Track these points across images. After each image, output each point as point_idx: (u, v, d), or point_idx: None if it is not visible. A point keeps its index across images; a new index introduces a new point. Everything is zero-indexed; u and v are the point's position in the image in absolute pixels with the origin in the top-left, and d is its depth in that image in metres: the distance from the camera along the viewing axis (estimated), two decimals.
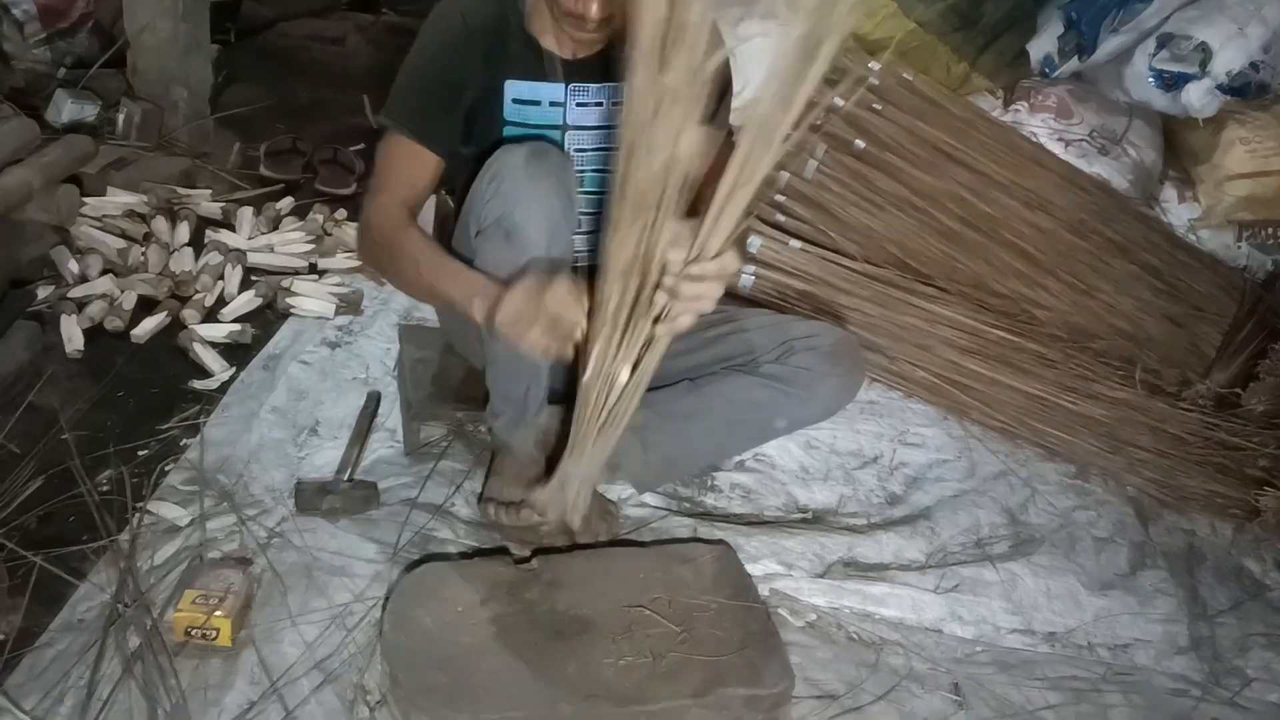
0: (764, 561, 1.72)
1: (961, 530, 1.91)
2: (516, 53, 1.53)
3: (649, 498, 1.82)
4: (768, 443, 1.94)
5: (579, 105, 1.56)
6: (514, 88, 1.53)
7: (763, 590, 1.65)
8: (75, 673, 1.36)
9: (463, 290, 1.39)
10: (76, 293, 2.07)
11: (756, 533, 1.78)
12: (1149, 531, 2.01)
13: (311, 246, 2.38)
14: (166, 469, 1.73)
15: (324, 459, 1.81)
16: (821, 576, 1.73)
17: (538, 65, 1.54)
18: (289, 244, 2.37)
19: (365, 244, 1.55)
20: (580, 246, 1.57)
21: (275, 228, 2.44)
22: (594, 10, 1.38)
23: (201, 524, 1.61)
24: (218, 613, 1.42)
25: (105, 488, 1.67)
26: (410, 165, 1.52)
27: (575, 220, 1.47)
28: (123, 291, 2.09)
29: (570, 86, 1.55)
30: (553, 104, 1.55)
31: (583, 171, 1.57)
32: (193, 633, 1.41)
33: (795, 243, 2.38)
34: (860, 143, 2.53)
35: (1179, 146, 2.95)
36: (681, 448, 1.65)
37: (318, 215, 2.48)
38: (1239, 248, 2.81)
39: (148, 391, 1.91)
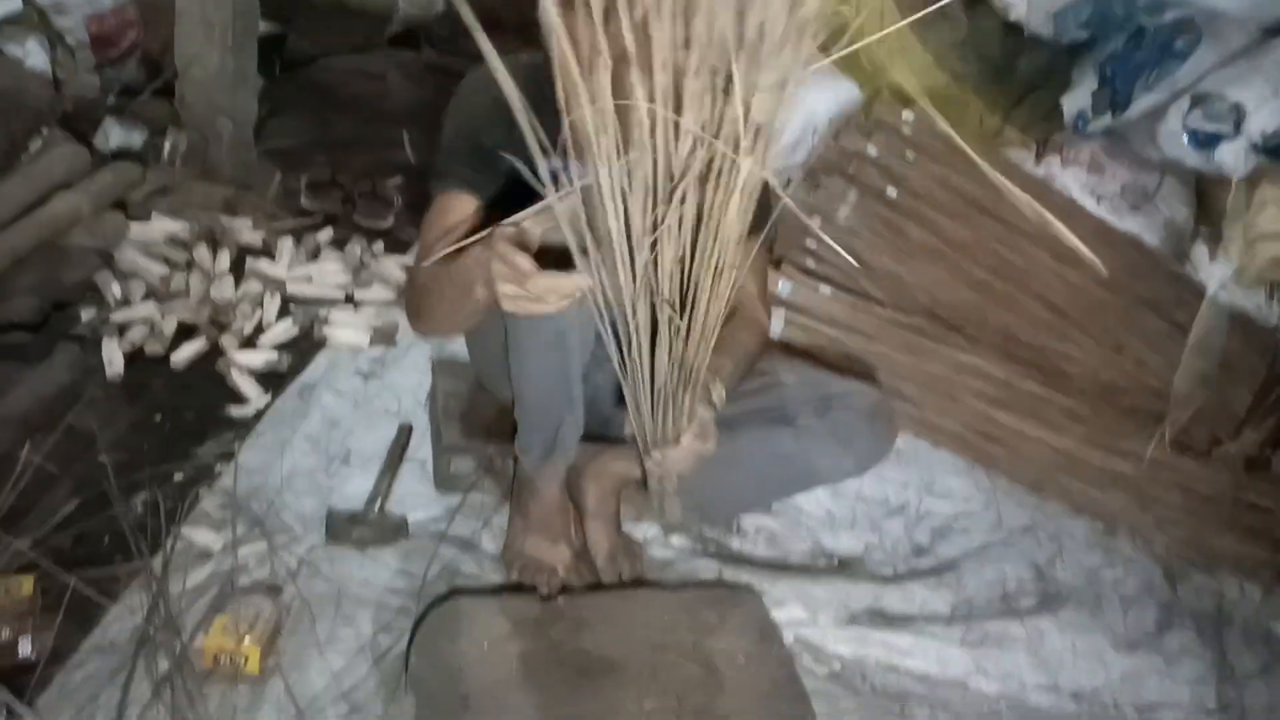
0: (789, 607, 1.72)
1: (988, 583, 1.90)
2: (546, 128, 1.54)
3: (674, 538, 1.82)
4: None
5: None
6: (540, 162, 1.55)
7: (787, 636, 1.64)
8: (105, 694, 1.37)
9: (466, 278, 1.36)
10: (118, 316, 2.11)
11: (782, 578, 1.78)
12: (1177, 591, 2.00)
13: (349, 278, 2.41)
14: (200, 494, 1.75)
15: (355, 488, 1.83)
16: (847, 625, 1.72)
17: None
18: (327, 275, 2.41)
19: (406, 298, 1.61)
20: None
21: (314, 258, 2.48)
22: None
23: (233, 550, 1.63)
24: (247, 639, 1.43)
25: (139, 511, 1.68)
26: (449, 216, 1.53)
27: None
28: (164, 316, 2.13)
29: None
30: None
31: None
32: (221, 659, 1.42)
33: (825, 288, 2.39)
34: (892, 191, 2.55)
35: (1211, 205, 2.94)
36: (713, 493, 1.66)
37: (356, 247, 2.51)
38: (1270, 308, 2.80)
39: (184, 416, 1.94)
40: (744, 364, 1.58)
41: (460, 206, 1.54)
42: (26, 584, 1.46)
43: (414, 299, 1.57)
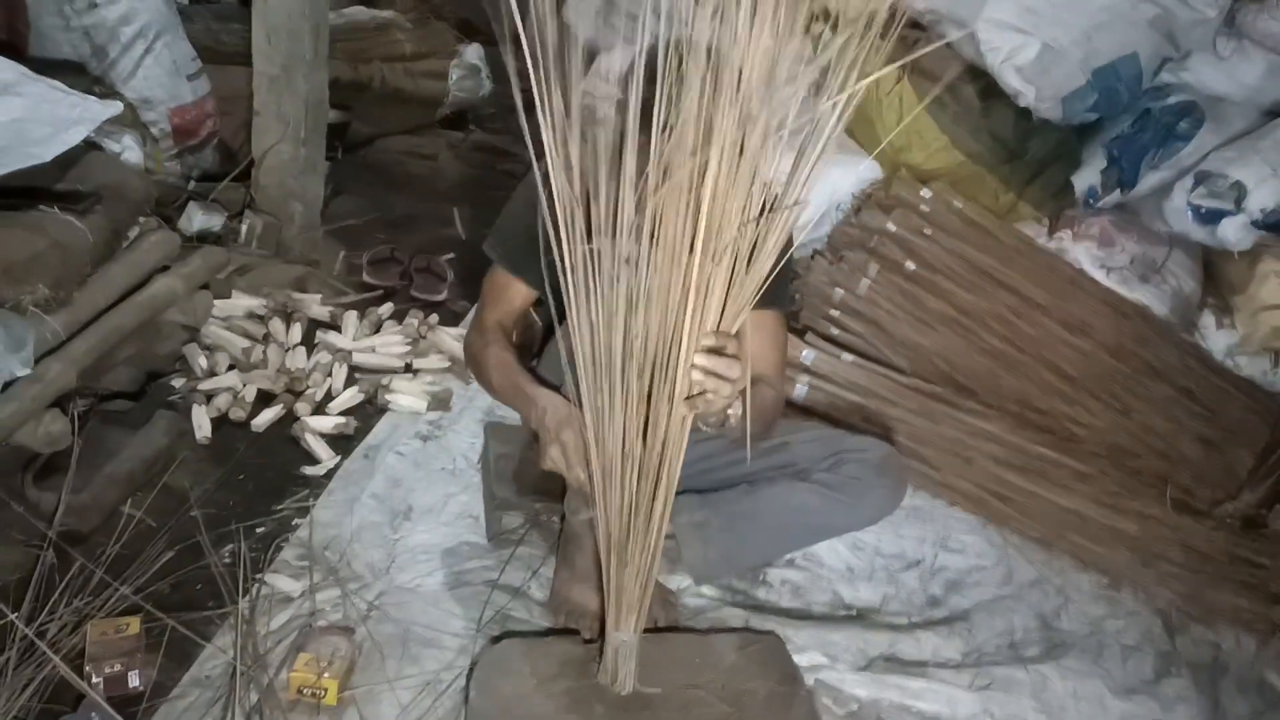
0: (810, 653, 1.87)
1: (997, 633, 2.05)
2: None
3: (705, 589, 1.99)
4: (817, 544, 2.10)
5: None
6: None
7: (808, 680, 1.80)
8: None
9: (523, 405, 1.68)
10: (205, 385, 2.33)
11: (804, 626, 1.94)
12: (1175, 642, 2.12)
13: (408, 348, 2.63)
14: (281, 545, 1.95)
15: (417, 541, 2.02)
16: (864, 670, 1.88)
17: None
18: (388, 345, 2.63)
19: (466, 358, 1.85)
20: None
21: (376, 330, 2.70)
22: None
23: (311, 595, 1.83)
24: (326, 674, 1.61)
25: (228, 560, 1.89)
26: (505, 293, 1.79)
27: None
28: (245, 385, 2.35)
29: None
30: None
31: None
32: (304, 691, 1.61)
33: (848, 356, 2.57)
34: (911, 264, 2.73)
35: (1217, 276, 3.09)
36: (739, 545, 1.84)
37: (413, 319, 2.73)
38: (1274, 375, 2.93)
39: (265, 475, 2.15)
40: (758, 409, 1.62)
41: (509, 289, 1.78)
42: (134, 624, 1.66)
43: (475, 369, 1.82)
